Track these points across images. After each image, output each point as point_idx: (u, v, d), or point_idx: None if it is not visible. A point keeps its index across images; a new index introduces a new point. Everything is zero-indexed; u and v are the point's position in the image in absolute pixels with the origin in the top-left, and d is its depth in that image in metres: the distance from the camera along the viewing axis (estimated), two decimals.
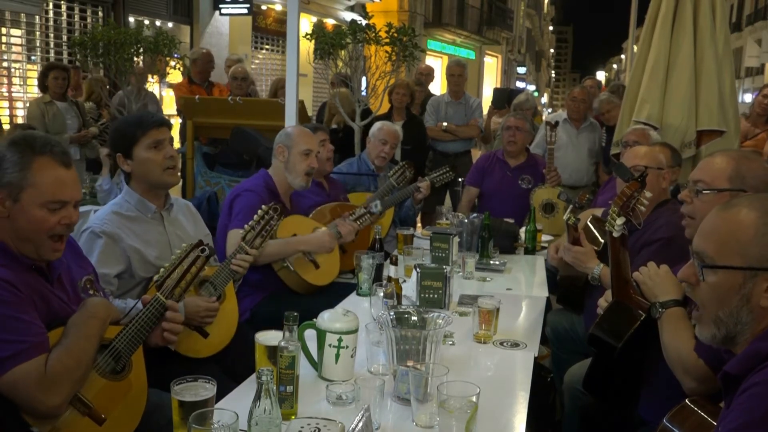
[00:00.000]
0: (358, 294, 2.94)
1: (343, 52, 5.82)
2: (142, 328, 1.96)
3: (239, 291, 3.02)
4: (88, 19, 8.89)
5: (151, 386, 1.99)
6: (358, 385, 1.81)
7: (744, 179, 2.06)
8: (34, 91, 7.41)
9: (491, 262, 3.43)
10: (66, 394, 1.73)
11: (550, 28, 66.68)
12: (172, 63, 6.46)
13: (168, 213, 2.61)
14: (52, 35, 8.54)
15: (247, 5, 11.22)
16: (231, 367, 2.34)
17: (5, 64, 7.97)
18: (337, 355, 1.99)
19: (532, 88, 37.62)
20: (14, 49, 8.16)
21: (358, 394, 1.81)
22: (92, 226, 2.41)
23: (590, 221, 2.92)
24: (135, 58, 6.08)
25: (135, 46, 5.99)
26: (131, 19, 9.44)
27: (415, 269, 2.72)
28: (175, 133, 6.18)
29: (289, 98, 4.01)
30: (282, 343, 1.80)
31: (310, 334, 2.06)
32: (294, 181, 3.26)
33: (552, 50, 77.35)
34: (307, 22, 11.77)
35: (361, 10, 14.21)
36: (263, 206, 2.63)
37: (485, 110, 7.54)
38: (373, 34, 5.74)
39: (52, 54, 8.48)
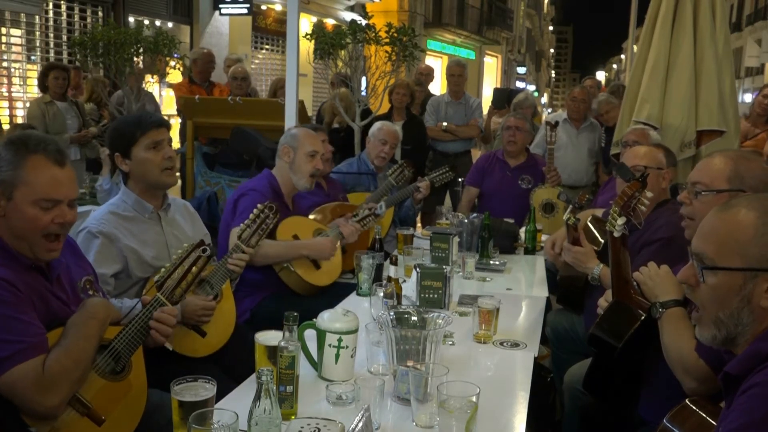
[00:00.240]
0: (358, 294, 2.94)
1: (343, 52, 5.82)
2: (141, 328, 1.96)
3: (239, 291, 3.02)
4: (88, 19, 8.90)
5: (149, 386, 1.98)
6: (358, 385, 1.81)
7: (743, 180, 2.05)
8: (34, 91, 7.42)
9: (491, 262, 3.43)
10: (64, 395, 1.73)
11: (550, 28, 66.67)
12: (172, 63, 6.45)
13: (165, 213, 2.61)
14: (52, 35, 8.55)
15: (247, 5, 11.23)
16: (229, 366, 2.34)
17: (5, 64, 7.97)
18: (337, 355, 1.99)
19: (532, 88, 37.60)
20: (14, 49, 8.16)
21: (358, 394, 1.81)
22: (89, 226, 2.41)
23: (590, 221, 2.92)
24: (135, 58, 6.08)
25: (135, 46, 5.98)
26: (131, 19, 9.44)
27: (415, 269, 2.72)
28: (175, 133, 6.19)
29: (289, 98, 4.01)
30: (282, 343, 1.80)
31: (310, 334, 2.06)
32: (299, 182, 3.26)
33: (552, 50, 77.33)
34: (307, 22, 11.78)
35: (361, 10, 14.22)
36: (259, 205, 2.63)
37: (485, 110, 7.54)
38: (373, 34, 5.74)
39: (52, 54, 8.48)
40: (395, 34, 5.70)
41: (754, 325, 1.41)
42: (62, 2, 8.65)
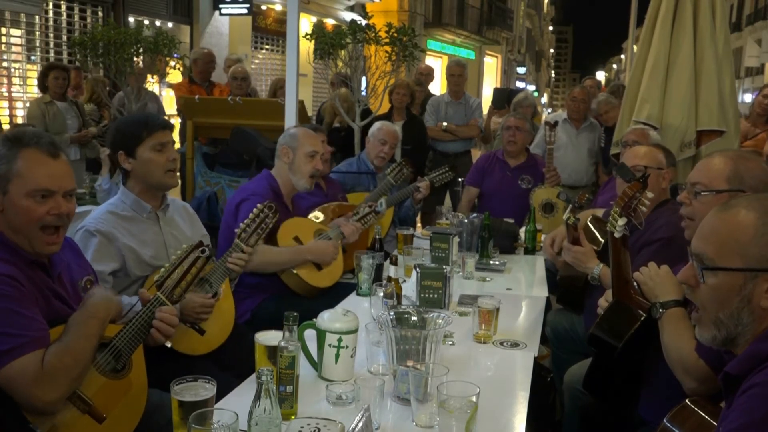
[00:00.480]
0: (358, 294, 2.94)
1: (343, 52, 5.82)
2: (142, 327, 1.97)
3: (239, 292, 3.02)
4: (88, 19, 8.89)
5: (148, 385, 1.99)
6: (358, 385, 1.81)
7: (742, 180, 2.05)
8: (34, 91, 7.41)
9: (491, 262, 3.43)
10: (63, 391, 1.73)
11: (550, 28, 66.68)
12: (172, 63, 6.45)
13: (164, 213, 2.62)
14: (52, 35, 8.54)
15: (247, 5, 11.22)
16: (228, 365, 2.35)
17: (5, 64, 7.97)
18: (337, 355, 1.99)
19: (532, 88, 37.60)
20: (14, 49, 8.15)
21: (358, 394, 1.81)
22: (86, 224, 2.43)
23: (590, 221, 2.92)
24: (135, 58, 6.08)
25: (135, 46, 5.98)
26: (131, 19, 9.44)
27: (415, 269, 2.72)
28: (175, 133, 6.17)
29: (289, 98, 4.01)
30: (282, 343, 1.81)
31: (310, 334, 2.06)
32: (299, 183, 3.25)
33: (552, 50, 77.35)
34: (307, 22, 11.78)
35: (361, 10, 14.22)
36: (258, 204, 2.63)
37: (485, 110, 7.55)
38: (373, 34, 5.74)
39: (52, 54, 8.48)
40: (395, 34, 5.70)
41: (754, 326, 1.41)
42: (62, 2, 8.64)
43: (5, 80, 7.98)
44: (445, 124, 6.26)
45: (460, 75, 6.45)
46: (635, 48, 5.59)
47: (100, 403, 1.82)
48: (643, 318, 2.03)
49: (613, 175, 3.41)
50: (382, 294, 2.47)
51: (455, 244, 3.25)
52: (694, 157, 4.26)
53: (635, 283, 2.12)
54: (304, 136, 3.27)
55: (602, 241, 2.75)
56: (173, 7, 10.68)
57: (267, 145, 4.58)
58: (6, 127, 6.48)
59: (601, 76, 53.45)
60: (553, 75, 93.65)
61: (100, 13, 9.10)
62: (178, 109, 6.55)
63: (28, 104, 6.97)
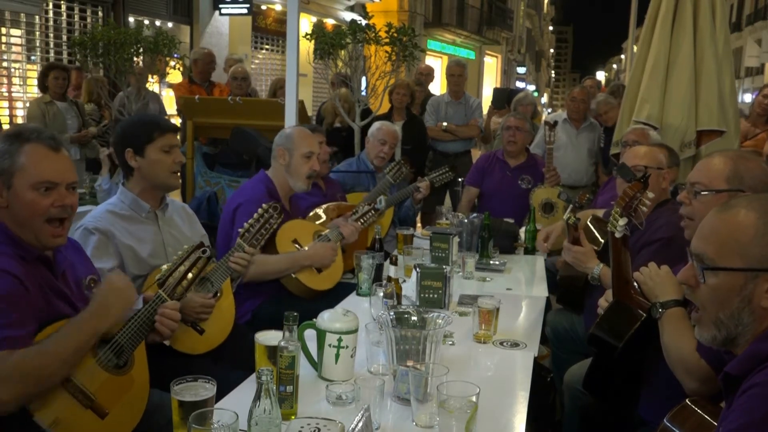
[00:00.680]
0: (358, 294, 2.94)
1: (343, 52, 5.82)
2: (144, 323, 1.98)
3: (240, 293, 3.01)
4: (88, 19, 8.89)
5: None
6: (358, 385, 1.81)
7: (742, 179, 2.05)
8: (34, 91, 7.41)
9: (491, 262, 3.43)
10: (15, 394, 1.68)
11: (550, 28, 66.66)
12: (172, 63, 6.46)
13: (163, 213, 2.63)
14: (52, 35, 8.54)
15: (247, 5, 11.22)
16: (227, 364, 2.35)
17: (5, 64, 7.97)
18: (337, 355, 1.99)
19: (532, 88, 37.59)
20: (14, 49, 8.15)
21: (358, 394, 1.81)
22: (85, 223, 2.44)
23: (590, 221, 2.92)
24: (135, 58, 6.08)
25: (135, 46, 5.98)
26: (131, 19, 9.44)
27: (415, 269, 2.72)
28: None
29: (289, 98, 4.01)
30: (282, 343, 1.81)
31: (310, 334, 2.06)
32: (296, 184, 3.24)
33: (552, 50, 77.33)
34: (307, 22, 11.78)
35: (361, 10, 14.23)
36: (263, 205, 2.63)
37: (485, 110, 7.55)
38: (373, 34, 5.74)
39: (52, 54, 8.48)
40: (395, 34, 5.70)
41: (755, 326, 1.41)
42: (62, 2, 8.64)
43: (5, 80, 7.98)
44: (445, 124, 6.26)
45: (460, 75, 6.45)
46: (635, 48, 5.59)
47: (103, 398, 1.83)
48: (643, 318, 2.03)
49: (613, 175, 3.41)
50: (382, 294, 2.47)
51: (455, 244, 3.25)
52: (694, 157, 4.26)
53: (635, 283, 2.12)
54: (300, 137, 3.26)
55: (602, 241, 2.76)
56: (173, 7, 10.69)
57: (267, 145, 4.57)
58: (6, 127, 6.48)
59: (601, 76, 53.47)
60: (553, 75, 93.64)
61: (100, 13, 9.10)
62: (178, 109, 6.54)
63: (28, 104, 6.97)
